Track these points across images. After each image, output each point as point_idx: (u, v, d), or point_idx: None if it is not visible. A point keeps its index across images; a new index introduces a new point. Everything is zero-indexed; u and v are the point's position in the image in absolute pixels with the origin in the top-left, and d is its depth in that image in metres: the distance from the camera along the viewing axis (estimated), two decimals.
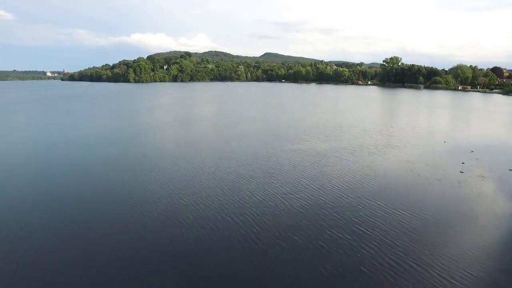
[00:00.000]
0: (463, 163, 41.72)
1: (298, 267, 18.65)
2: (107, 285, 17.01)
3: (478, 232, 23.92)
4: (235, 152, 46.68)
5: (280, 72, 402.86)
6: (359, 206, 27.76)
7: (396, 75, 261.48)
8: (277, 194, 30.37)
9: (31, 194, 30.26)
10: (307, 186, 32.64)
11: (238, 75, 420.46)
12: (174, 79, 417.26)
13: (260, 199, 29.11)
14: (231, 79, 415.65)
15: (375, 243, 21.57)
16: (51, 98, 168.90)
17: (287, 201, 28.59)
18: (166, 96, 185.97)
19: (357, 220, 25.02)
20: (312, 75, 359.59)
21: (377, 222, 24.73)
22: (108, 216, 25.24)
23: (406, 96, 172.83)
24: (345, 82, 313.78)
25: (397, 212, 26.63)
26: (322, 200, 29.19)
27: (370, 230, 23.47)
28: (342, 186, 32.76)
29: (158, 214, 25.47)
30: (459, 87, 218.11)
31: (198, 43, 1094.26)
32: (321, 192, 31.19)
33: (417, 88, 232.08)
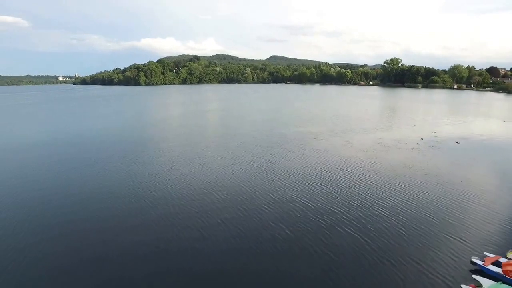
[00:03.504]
0: (422, 139, 55.93)
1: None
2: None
3: (412, 173, 38.21)
4: (249, 132, 61.45)
5: (285, 74, 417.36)
6: (335, 161, 42.56)
7: (396, 76, 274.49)
8: (285, 156, 45.24)
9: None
10: (305, 151, 47.38)
11: (245, 77, 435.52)
12: (184, 81, 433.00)
13: (273, 159, 44.03)
14: (238, 81, 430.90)
15: (344, 183, 36.26)
16: (78, 98, 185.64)
17: (291, 160, 43.43)
18: (182, 95, 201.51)
19: (330, 169, 39.76)
20: (316, 76, 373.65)
21: (347, 170, 39.45)
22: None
23: (402, 94, 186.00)
24: (347, 83, 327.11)
25: (362, 164, 41.27)
26: (312, 158, 43.99)
27: (340, 176, 38.17)
28: (327, 150, 47.48)
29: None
30: (455, 86, 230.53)
31: (206, 47, 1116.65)
32: (313, 154, 46.02)
33: (415, 87, 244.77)
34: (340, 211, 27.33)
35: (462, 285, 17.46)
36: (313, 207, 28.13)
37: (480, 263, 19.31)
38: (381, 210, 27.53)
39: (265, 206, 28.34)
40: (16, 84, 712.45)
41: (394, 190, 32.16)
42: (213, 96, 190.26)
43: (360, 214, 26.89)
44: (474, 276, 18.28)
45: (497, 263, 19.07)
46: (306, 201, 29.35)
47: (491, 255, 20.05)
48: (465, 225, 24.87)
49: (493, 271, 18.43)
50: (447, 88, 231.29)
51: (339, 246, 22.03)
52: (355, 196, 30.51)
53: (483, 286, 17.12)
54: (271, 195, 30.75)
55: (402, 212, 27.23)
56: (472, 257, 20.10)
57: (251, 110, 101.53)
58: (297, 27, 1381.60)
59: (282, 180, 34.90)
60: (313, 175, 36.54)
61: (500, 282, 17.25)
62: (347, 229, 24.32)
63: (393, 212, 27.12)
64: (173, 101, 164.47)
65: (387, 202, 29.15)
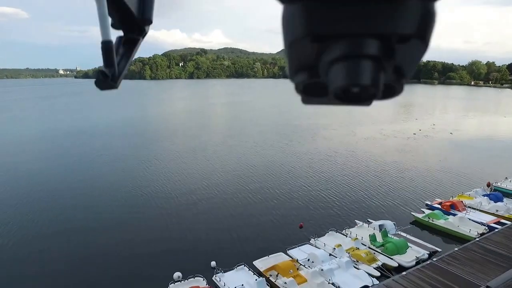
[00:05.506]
0: (420, 130, 67.16)
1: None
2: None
3: (402, 154, 49.64)
4: (266, 123, 73.43)
5: None
6: (340, 145, 54.35)
7: None
8: (299, 141, 57.35)
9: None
10: (316, 138, 59.30)
11: (254, 72, 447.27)
12: (190, 76, 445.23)
13: (290, 143, 56.18)
14: (247, 76, 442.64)
15: (345, 160, 48.10)
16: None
17: (304, 144, 55.42)
18: (193, 89, 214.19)
19: (335, 150, 51.61)
20: None
21: (349, 151, 51.27)
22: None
23: (416, 90, 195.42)
24: None
25: (362, 147, 53.03)
26: (321, 143, 55.90)
27: (343, 156, 49.98)
28: (334, 137, 59.36)
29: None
30: (472, 83, 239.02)
31: (213, 40, 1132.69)
32: (322, 140, 57.94)
33: (431, 83, 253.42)
34: (341, 177, 39.12)
35: (412, 212, 29.06)
36: (322, 174, 40.01)
37: (430, 203, 30.90)
38: (372, 174, 39.20)
39: (286, 175, 40.31)
40: (16, 78, 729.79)
41: (384, 163, 43.82)
42: (225, 91, 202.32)
43: (357, 177, 38.60)
44: (422, 209, 29.88)
45: (440, 203, 30.57)
46: (318, 170, 41.32)
47: (439, 200, 31.57)
48: (430, 183, 36.57)
49: (435, 207, 30.00)
50: (464, 84, 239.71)
51: (340, 192, 33.78)
52: (354, 167, 42.25)
53: (425, 213, 28.67)
54: (291, 167, 42.73)
55: (388, 175, 38.93)
56: (426, 200, 31.71)
57: (266, 104, 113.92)
58: None
59: (298, 158, 46.87)
60: (322, 154, 48.44)
61: (436, 211, 28.73)
62: (346, 186, 36.09)
63: (381, 175, 38.84)
64: (186, 95, 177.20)
65: (377, 170, 40.84)
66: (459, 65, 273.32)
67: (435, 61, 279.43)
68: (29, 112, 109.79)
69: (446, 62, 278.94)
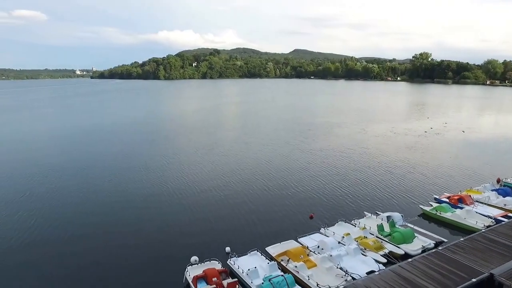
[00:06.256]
0: (431, 128, 67.20)
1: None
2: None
3: (412, 151, 50.06)
4: (281, 121, 74.51)
5: (309, 69, 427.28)
6: (352, 142, 55.06)
7: (425, 71, 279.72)
8: (314, 138, 58.34)
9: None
10: (329, 135, 60.11)
11: (267, 72, 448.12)
12: (203, 76, 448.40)
13: (305, 140, 57.22)
14: (260, 76, 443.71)
15: (357, 156, 48.87)
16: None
17: (318, 141, 56.38)
18: (208, 89, 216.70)
19: (347, 147, 52.38)
20: (341, 71, 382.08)
21: (360, 147, 51.98)
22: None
23: (429, 90, 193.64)
24: (374, 78, 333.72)
25: (373, 144, 53.60)
26: (334, 140, 56.72)
27: (354, 152, 50.73)
28: (346, 135, 60.11)
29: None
30: (487, 82, 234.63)
31: (225, 40, 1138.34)
32: (335, 137, 58.79)
33: (445, 83, 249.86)
34: (352, 171, 39.96)
35: (420, 206, 29.76)
36: (334, 168, 41.03)
37: (438, 197, 31.53)
38: (382, 169, 39.91)
39: (299, 169, 41.42)
40: (35, 78, 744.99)
41: (395, 159, 44.49)
42: (238, 91, 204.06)
43: (367, 171, 39.40)
44: (430, 202, 30.54)
45: (449, 197, 31.16)
46: (329, 164, 42.41)
47: (447, 194, 32.14)
48: (440, 178, 37.12)
49: (443, 200, 30.60)
50: (479, 84, 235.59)
51: (350, 186, 34.66)
52: (364, 163, 43.06)
53: (433, 205, 29.34)
54: (304, 162, 43.84)
55: (398, 170, 39.61)
56: (435, 195, 32.32)
57: (280, 104, 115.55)
58: (320, 18, 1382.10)
59: (311, 154, 47.95)
60: (334, 150, 49.47)
61: (444, 204, 29.35)
62: (356, 180, 36.93)
63: (391, 170, 39.60)
64: (203, 94, 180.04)
65: (387, 165, 41.60)
66: (474, 64, 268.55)
67: (449, 60, 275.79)
68: (58, 109, 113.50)
69: (460, 61, 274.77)
